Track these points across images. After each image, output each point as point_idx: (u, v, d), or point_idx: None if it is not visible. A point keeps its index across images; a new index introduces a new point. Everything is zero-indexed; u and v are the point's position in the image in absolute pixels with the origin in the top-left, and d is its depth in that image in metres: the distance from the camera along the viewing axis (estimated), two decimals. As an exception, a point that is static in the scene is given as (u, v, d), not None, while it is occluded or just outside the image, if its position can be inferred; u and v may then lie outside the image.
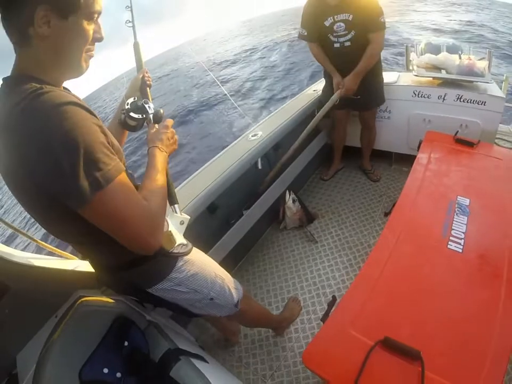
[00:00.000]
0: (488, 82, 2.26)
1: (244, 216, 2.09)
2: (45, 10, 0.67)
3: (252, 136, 2.18)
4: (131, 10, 1.25)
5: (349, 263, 2.12)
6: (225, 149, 2.12)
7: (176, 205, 1.16)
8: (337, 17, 2.08)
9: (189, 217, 1.19)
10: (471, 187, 1.59)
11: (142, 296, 1.11)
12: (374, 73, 2.32)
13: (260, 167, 2.11)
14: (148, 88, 1.23)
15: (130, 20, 1.26)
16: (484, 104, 2.23)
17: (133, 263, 0.96)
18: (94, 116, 0.73)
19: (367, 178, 2.85)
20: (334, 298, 1.26)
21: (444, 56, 2.38)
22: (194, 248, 1.17)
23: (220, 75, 14.54)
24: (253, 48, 19.32)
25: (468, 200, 1.49)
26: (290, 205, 2.40)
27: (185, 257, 1.10)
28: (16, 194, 0.75)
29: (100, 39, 0.80)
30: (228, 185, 1.86)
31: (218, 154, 2.06)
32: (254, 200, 2.16)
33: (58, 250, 1.37)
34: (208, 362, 1.24)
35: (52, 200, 0.69)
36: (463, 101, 2.28)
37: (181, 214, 1.18)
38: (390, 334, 1.01)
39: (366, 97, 2.39)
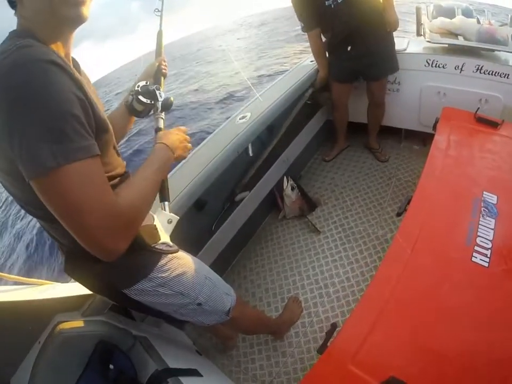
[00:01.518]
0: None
1: (237, 209, 1.91)
2: None
3: (240, 119, 1.94)
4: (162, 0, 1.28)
5: (354, 257, 1.93)
6: (210, 136, 1.89)
7: (166, 202, 1.06)
8: None
9: (178, 217, 1.09)
10: (498, 180, 1.37)
11: (118, 298, 0.97)
12: (385, 34, 2.05)
13: (250, 153, 1.89)
14: (162, 77, 1.19)
15: (159, 9, 1.29)
16: (508, 77, 1.96)
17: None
18: (80, 86, 0.64)
19: (374, 158, 2.60)
20: (333, 326, 1.08)
21: (460, 20, 2.08)
22: (180, 251, 1.05)
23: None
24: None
25: (495, 197, 1.27)
26: (289, 192, 2.20)
27: (170, 255, 0.97)
28: None
29: None
30: (215, 177, 1.65)
31: (203, 143, 1.84)
32: (248, 189, 1.96)
33: (31, 279, 1.29)
34: (202, 376, 1.15)
35: (11, 162, 0.60)
36: (484, 72, 2.01)
37: (169, 213, 1.08)
38: (397, 373, 0.84)
39: (377, 63, 2.12)
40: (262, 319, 1.59)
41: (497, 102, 2.03)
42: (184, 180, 1.56)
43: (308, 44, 2.22)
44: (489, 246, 1.11)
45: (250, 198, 1.99)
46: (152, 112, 1.10)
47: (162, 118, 1.08)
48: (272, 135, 2.09)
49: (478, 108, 1.74)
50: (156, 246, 0.93)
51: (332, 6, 1.96)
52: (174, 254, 0.99)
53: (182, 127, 1.05)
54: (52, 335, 1.05)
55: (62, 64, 0.61)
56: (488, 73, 2.00)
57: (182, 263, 1.02)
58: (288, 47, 12.76)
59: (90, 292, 1.16)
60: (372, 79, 2.23)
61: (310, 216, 2.26)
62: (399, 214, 1.38)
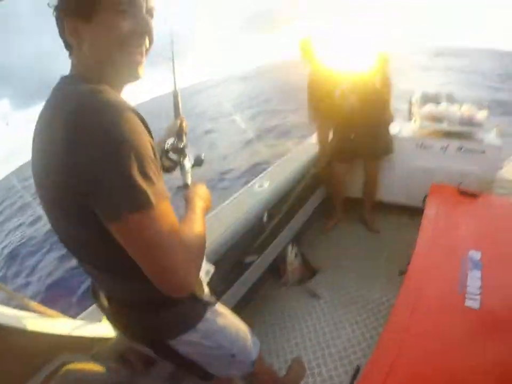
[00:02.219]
0: (487, 132, 2.37)
1: (247, 272, 2.03)
2: (71, 22, 0.67)
3: (259, 186, 2.17)
4: (172, 63, 1.19)
5: (354, 319, 2.01)
6: (232, 198, 2.08)
7: None
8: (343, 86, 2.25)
9: (213, 267, 1.09)
10: (481, 239, 1.59)
11: (156, 347, 0.94)
12: (385, 121, 2.41)
13: (265, 220, 2.08)
14: (184, 135, 1.20)
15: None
16: (484, 153, 2.30)
17: (159, 304, 0.83)
18: (149, 131, 0.66)
19: (367, 230, 2.82)
20: (358, 368, 1.18)
21: (444, 107, 2.49)
22: None
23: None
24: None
25: (479, 253, 1.47)
26: (292, 259, 2.35)
27: (213, 308, 0.99)
28: (45, 190, 0.69)
29: (139, 31, 0.71)
30: (235, 239, 1.80)
31: (226, 203, 2.03)
32: (257, 255, 2.11)
33: (43, 308, 1.19)
34: None
35: (85, 205, 0.61)
36: (464, 151, 2.37)
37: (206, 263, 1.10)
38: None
39: (376, 144, 2.45)
40: (275, 376, 1.57)
41: (476, 175, 2.35)
42: (208, 237, 1.71)
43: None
44: (479, 292, 1.27)
45: (259, 262, 2.12)
46: (179, 168, 1.11)
47: (190, 175, 1.10)
48: (283, 205, 2.32)
49: (461, 182, 2.03)
50: (204, 299, 0.95)
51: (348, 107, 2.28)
52: (215, 307, 1.00)
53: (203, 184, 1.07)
54: (56, 374, 0.99)
55: (136, 111, 0.64)
56: (468, 151, 2.35)
57: (222, 315, 1.03)
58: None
59: (103, 336, 1.18)
60: (370, 160, 2.56)
61: (309, 282, 2.37)
62: (401, 273, 1.56)
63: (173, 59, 1.16)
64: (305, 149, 2.78)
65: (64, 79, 0.71)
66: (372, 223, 2.82)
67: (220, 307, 1.05)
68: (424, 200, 1.99)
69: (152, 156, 0.62)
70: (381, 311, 2.03)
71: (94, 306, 1.28)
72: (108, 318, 0.98)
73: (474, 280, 1.33)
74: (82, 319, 1.28)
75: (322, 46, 2.28)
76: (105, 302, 0.91)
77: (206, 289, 1.01)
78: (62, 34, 0.70)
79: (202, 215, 0.87)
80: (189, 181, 1.09)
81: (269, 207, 2.07)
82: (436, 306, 1.28)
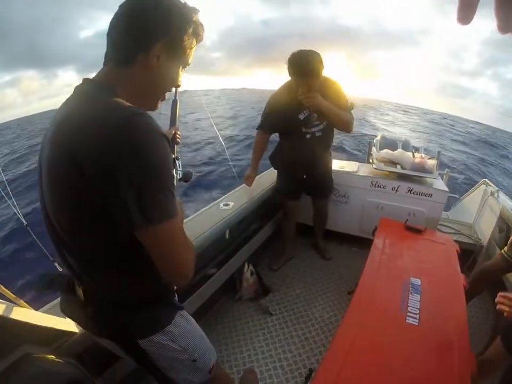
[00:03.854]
0: (435, 178, 2.71)
1: (206, 284, 2.08)
2: (161, 46, 0.76)
3: (224, 205, 2.27)
4: None
5: (304, 336, 2.15)
6: (197, 213, 2.16)
7: None
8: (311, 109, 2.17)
9: None
10: (421, 269, 1.83)
11: (126, 345, 0.96)
12: (329, 163, 2.62)
13: (227, 237, 2.18)
14: (176, 145, 1.27)
15: None
16: (431, 196, 2.64)
17: (136, 303, 0.90)
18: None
19: (319, 257, 3.03)
20: (310, 370, 1.29)
21: (400, 152, 2.84)
22: None
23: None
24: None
25: (419, 280, 1.71)
26: (248, 276, 2.45)
27: (182, 312, 1.04)
28: (60, 179, 0.73)
29: (178, 86, 0.91)
30: (198, 252, 1.86)
31: (192, 216, 2.10)
32: (216, 268, 2.18)
33: (9, 293, 1.16)
34: None
35: (106, 205, 0.69)
36: (413, 193, 2.68)
37: None
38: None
39: (323, 185, 2.66)
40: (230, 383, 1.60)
41: (422, 215, 2.68)
42: None
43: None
44: (418, 312, 1.49)
45: (218, 275, 2.19)
46: None
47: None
48: (244, 225, 2.44)
49: (407, 219, 2.31)
50: (174, 301, 1.02)
51: (309, 137, 2.27)
52: (183, 311, 1.05)
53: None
54: (17, 365, 0.98)
55: (166, 135, 0.73)
56: (417, 194, 2.66)
57: (187, 319, 1.07)
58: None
59: (67, 329, 1.18)
60: (319, 197, 2.76)
61: (263, 300, 2.48)
62: (350, 293, 1.73)
63: None
64: (269, 175, 2.95)
65: (100, 89, 0.76)
66: (324, 252, 3.03)
67: (185, 312, 1.09)
68: (373, 232, 2.23)
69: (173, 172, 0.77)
70: (330, 329, 2.19)
71: (57, 299, 1.24)
72: (74, 314, 0.99)
73: (414, 302, 1.55)
74: (46, 311, 1.26)
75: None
76: (81, 296, 0.89)
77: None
78: (133, 45, 0.76)
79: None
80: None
81: (231, 226, 2.17)
82: (380, 322, 1.46)
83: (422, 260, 1.92)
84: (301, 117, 2.25)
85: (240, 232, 2.44)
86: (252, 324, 2.28)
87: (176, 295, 1.08)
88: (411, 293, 1.61)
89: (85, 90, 0.76)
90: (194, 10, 0.82)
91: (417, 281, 1.70)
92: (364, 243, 3.00)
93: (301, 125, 2.26)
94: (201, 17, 0.83)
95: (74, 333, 1.21)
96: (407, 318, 1.45)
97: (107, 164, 0.65)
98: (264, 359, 2.01)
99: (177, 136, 1.29)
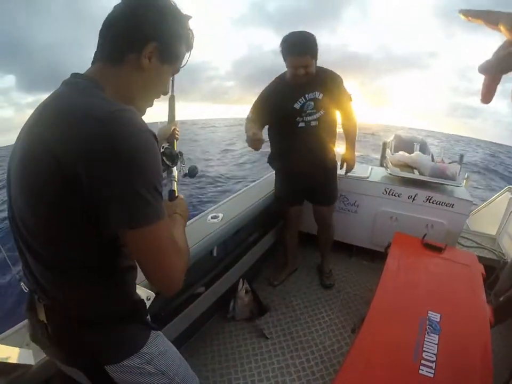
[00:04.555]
0: (458, 186, 2.36)
1: (192, 305, 1.86)
2: (154, 47, 0.73)
3: (212, 217, 2.03)
4: None
5: (301, 366, 1.89)
6: None
7: None
8: (308, 96, 1.99)
9: (154, 295, 1.10)
10: (442, 299, 1.54)
11: (91, 372, 0.83)
12: (331, 163, 2.28)
13: (215, 254, 1.92)
14: (175, 141, 1.22)
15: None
16: (452, 207, 2.31)
17: (107, 321, 0.79)
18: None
19: (320, 284, 2.62)
20: None
21: (417, 155, 2.49)
22: None
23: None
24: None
25: (439, 315, 1.42)
26: (242, 295, 2.22)
27: (157, 332, 0.92)
28: (33, 177, 0.66)
29: (166, 93, 0.88)
30: None
31: None
32: (204, 287, 1.96)
33: None
34: None
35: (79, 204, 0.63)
36: (432, 202, 2.35)
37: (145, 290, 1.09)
38: None
39: (324, 191, 2.33)
40: None
41: (442, 227, 2.34)
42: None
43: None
44: (434, 359, 1.21)
45: (207, 295, 1.96)
46: (166, 174, 1.10)
47: (176, 181, 1.10)
48: (237, 239, 2.21)
49: (425, 234, 2.00)
50: (148, 320, 0.90)
51: (303, 125, 2.04)
52: (158, 331, 0.94)
53: (181, 195, 1.08)
54: None
55: (154, 132, 0.68)
56: (436, 203, 2.33)
57: (162, 340, 0.95)
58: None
59: (22, 362, 1.03)
60: (322, 204, 2.39)
61: (259, 320, 2.23)
62: (353, 331, 1.46)
63: None
64: (264, 184, 2.68)
65: (87, 83, 0.72)
66: (325, 278, 2.62)
67: (161, 334, 0.97)
68: (387, 248, 1.96)
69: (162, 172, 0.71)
70: (331, 359, 1.92)
71: (12, 329, 1.18)
72: (38, 338, 0.86)
73: (431, 346, 1.27)
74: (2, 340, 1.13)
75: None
76: (42, 316, 0.79)
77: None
78: (124, 43, 0.73)
79: (183, 230, 0.91)
80: (174, 188, 1.09)
81: (220, 242, 1.93)
82: (387, 372, 1.19)
83: (443, 287, 1.63)
84: (297, 106, 2.02)
85: (233, 247, 2.21)
86: (244, 348, 2.03)
87: (150, 316, 0.94)
88: (428, 332, 1.33)
89: (72, 82, 0.73)
90: (187, 17, 0.81)
91: (436, 317, 1.42)
92: (375, 256, 2.73)
93: (295, 114, 2.05)
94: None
95: (31, 365, 1.05)
96: (420, 367, 1.18)
97: (87, 159, 0.60)
98: (254, 391, 1.77)
99: (176, 132, 1.25)
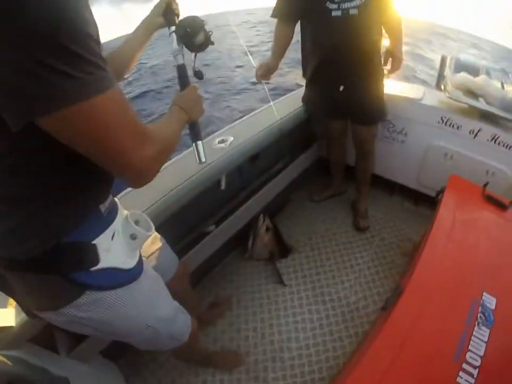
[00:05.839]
0: None
1: (199, 244, 1.65)
2: None
3: (219, 142, 1.69)
4: None
5: (318, 322, 1.68)
6: (181, 155, 1.62)
7: (199, 142, 0.97)
8: None
9: (147, 234, 0.88)
10: (500, 278, 1.16)
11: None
12: (375, 75, 1.80)
13: (223, 187, 1.63)
14: (175, 17, 1.05)
15: None
16: None
17: (27, 262, 0.67)
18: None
19: (353, 226, 2.27)
20: None
21: (483, 80, 1.84)
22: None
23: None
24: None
25: (494, 300, 1.06)
26: (263, 233, 1.97)
27: (101, 293, 0.76)
28: None
29: None
30: (175, 212, 1.42)
31: (168, 163, 1.57)
32: (214, 224, 1.72)
33: None
34: None
35: None
36: (499, 143, 1.80)
37: (136, 225, 0.86)
38: None
39: (366, 105, 1.85)
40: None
41: (505, 177, 1.83)
42: (139, 206, 1.30)
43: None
44: (478, 363, 0.90)
45: (218, 232, 1.73)
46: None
47: (182, 54, 1.00)
48: (254, 167, 1.87)
49: (487, 183, 1.54)
50: (84, 280, 0.72)
51: (340, 15, 1.56)
52: (109, 293, 0.77)
53: (195, 85, 0.96)
54: None
55: None
56: (503, 145, 1.79)
57: (114, 311, 0.80)
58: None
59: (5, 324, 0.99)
60: (360, 123, 1.95)
61: (279, 263, 2.02)
62: (384, 308, 1.14)
63: None
64: (289, 101, 2.19)
65: None
66: (360, 219, 2.24)
67: (125, 296, 0.82)
68: (438, 195, 1.53)
69: (94, 31, 0.51)
70: (353, 319, 1.69)
71: None
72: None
73: (478, 344, 0.95)
74: None
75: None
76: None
77: (114, 262, 0.78)
78: None
79: (179, 126, 0.85)
80: (181, 61, 0.99)
81: (229, 171, 1.63)
82: (419, 372, 0.91)
83: (504, 261, 1.23)
84: None
85: (250, 177, 1.89)
86: (258, 295, 1.85)
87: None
88: (478, 324, 0.99)
89: None
90: None
91: (491, 301, 1.06)
92: (419, 199, 2.30)
93: (327, 1, 1.55)
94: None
95: (12, 326, 0.98)
96: (459, 373, 0.87)
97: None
98: (263, 345, 1.62)
99: (176, 7, 1.07)
